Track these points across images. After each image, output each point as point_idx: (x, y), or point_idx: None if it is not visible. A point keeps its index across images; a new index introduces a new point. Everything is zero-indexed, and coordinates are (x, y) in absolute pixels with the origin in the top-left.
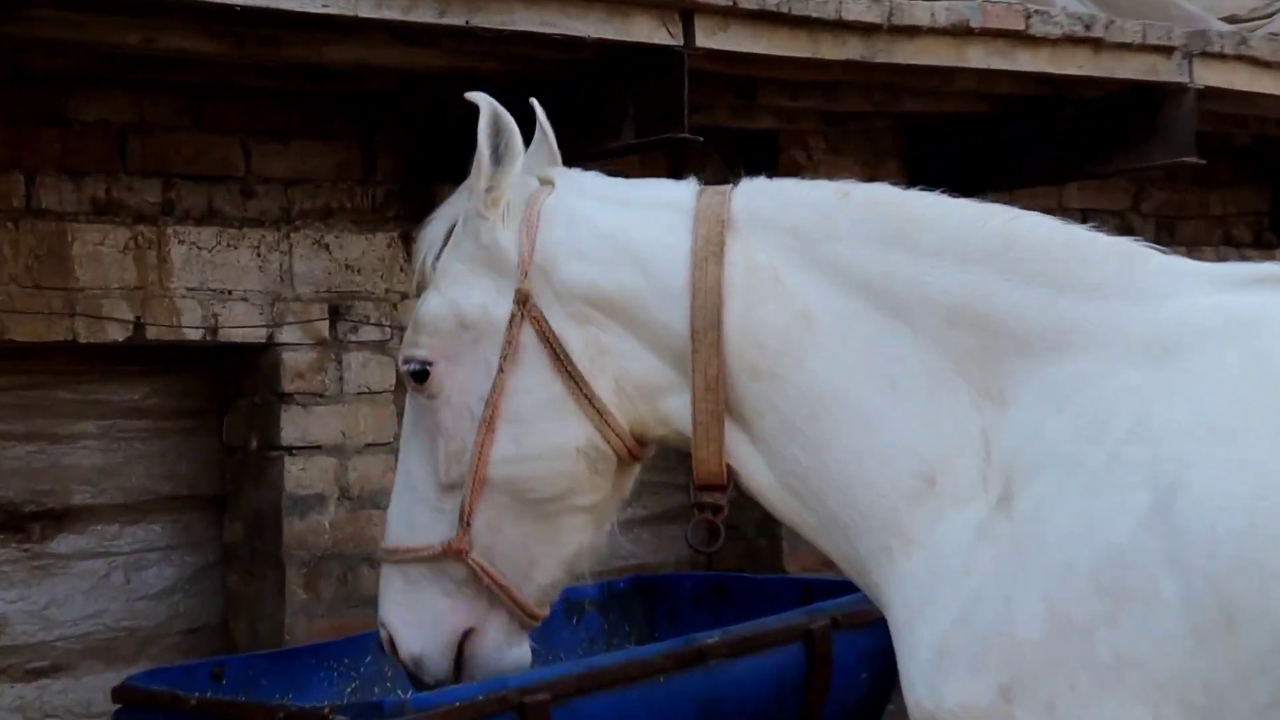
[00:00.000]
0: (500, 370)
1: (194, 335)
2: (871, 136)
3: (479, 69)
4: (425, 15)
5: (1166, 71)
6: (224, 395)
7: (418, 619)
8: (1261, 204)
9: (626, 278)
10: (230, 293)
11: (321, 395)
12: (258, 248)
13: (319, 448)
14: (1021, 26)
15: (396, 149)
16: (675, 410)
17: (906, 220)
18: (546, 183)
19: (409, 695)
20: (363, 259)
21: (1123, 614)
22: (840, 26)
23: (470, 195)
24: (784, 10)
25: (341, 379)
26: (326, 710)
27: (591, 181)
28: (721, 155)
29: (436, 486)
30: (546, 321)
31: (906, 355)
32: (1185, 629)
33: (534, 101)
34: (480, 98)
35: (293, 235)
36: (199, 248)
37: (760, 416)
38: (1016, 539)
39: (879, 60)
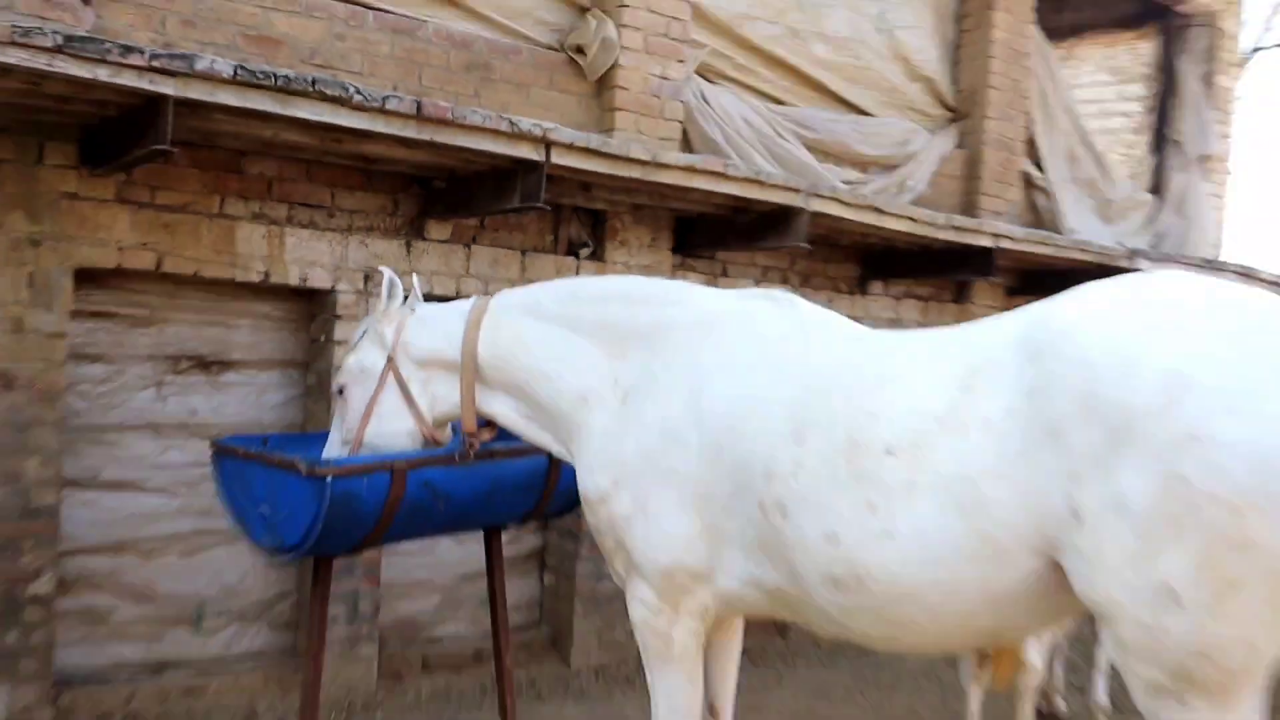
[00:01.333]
0: (376, 393)
1: (295, 282)
2: (656, 216)
3: (445, 164)
4: (413, 133)
5: (797, 200)
6: (309, 314)
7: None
8: (855, 271)
9: (440, 344)
10: (314, 263)
11: (355, 318)
12: (331, 243)
13: None
14: (721, 170)
15: (408, 199)
16: (454, 399)
17: (576, 288)
18: (410, 309)
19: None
20: (385, 251)
21: (672, 448)
22: (628, 160)
23: (375, 315)
24: (599, 149)
25: (366, 311)
26: (262, 453)
27: (429, 306)
28: (580, 220)
29: (341, 441)
30: (399, 370)
31: (576, 346)
32: (699, 456)
33: (385, 269)
34: (383, 270)
35: (349, 238)
36: (300, 240)
37: (506, 385)
38: (626, 416)
39: (649, 178)
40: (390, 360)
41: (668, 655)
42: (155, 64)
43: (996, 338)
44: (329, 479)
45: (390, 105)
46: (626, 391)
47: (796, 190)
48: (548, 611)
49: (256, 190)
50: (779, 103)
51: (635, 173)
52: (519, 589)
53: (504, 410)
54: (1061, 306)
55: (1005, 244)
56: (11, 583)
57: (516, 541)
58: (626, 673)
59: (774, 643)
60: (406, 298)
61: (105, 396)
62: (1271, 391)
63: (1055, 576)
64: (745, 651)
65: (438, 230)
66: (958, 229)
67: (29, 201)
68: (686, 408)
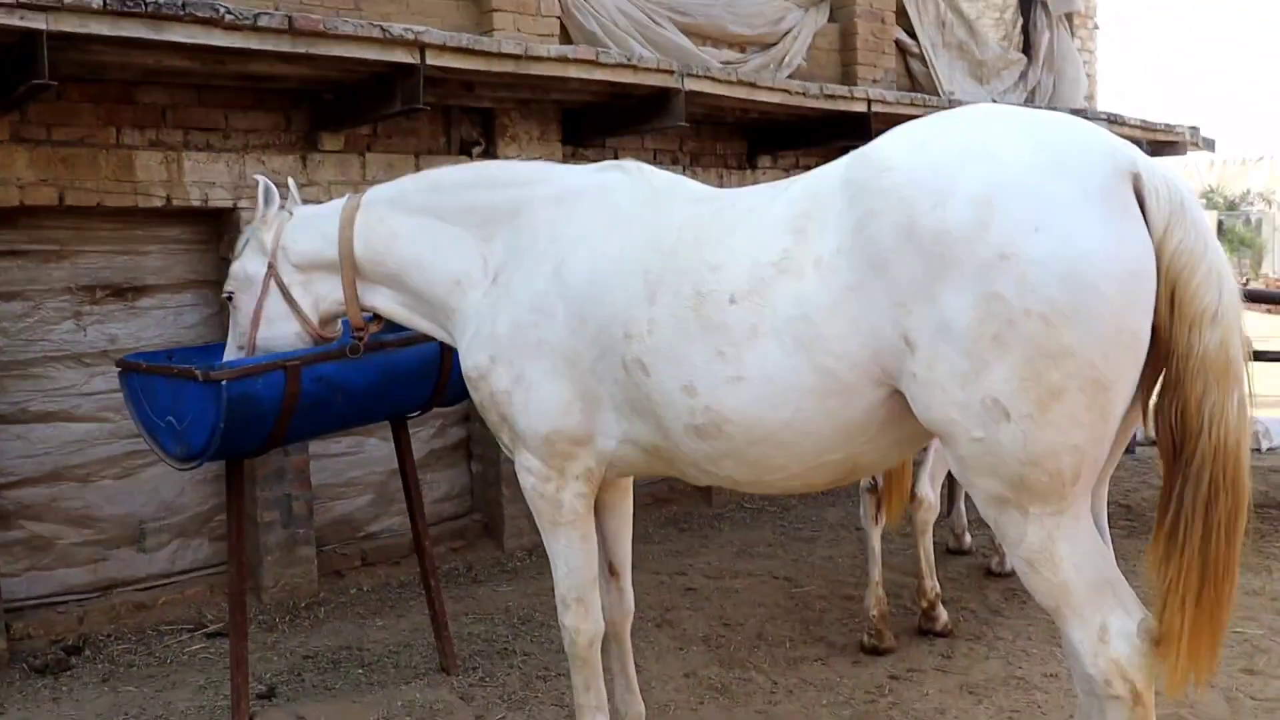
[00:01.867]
0: (260, 298)
1: (196, 203)
2: (543, 109)
3: (329, 76)
4: (287, 48)
5: (672, 81)
6: (216, 234)
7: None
8: (742, 147)
9: (318, 244)
10: (213, 184)
11: None
12: (228, 164)
13: None
14: (593, 58)
15: (300, 114)
16: (337, 297)
17: (439, 178)
18: (289, 212)
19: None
20: (281, 167)
21: (541, 320)
22: (502, 56)
23: (254, 223)
24: (472, 47)
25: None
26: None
27: (305, 209)
28: (470, 119)
29: (237, 347)
30: (279, 275)
31: (445, 233)
32: (565, 325)
33: (259, 177)
34: (258, 178)
35: (245, 157)
36: (197, 163)
37: (384, 279)
38: (497, 294)
39: (524, 71)
40: (271, 266)
41: (558, 519)
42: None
43: (825, 180)
44: (224, 382)
45: (262, 22)
46: (496, 271)
47: (670, 71)
48: (479, 499)
49: (151, 118)
50: None
51: (509, 67)
52: (450, 479)
53: (386, 303)
54: (879, 144)
55: (879, 109)
56: None
57: (443, 435)
58: None
59: (700, 509)
60: (285, 204)
61: (25, 332)
62: (1074, 208)
63: (898, 404)
64: (673, 519)
65: (331, 141)
66: (830, 97)
67: None
68: (550, 280)
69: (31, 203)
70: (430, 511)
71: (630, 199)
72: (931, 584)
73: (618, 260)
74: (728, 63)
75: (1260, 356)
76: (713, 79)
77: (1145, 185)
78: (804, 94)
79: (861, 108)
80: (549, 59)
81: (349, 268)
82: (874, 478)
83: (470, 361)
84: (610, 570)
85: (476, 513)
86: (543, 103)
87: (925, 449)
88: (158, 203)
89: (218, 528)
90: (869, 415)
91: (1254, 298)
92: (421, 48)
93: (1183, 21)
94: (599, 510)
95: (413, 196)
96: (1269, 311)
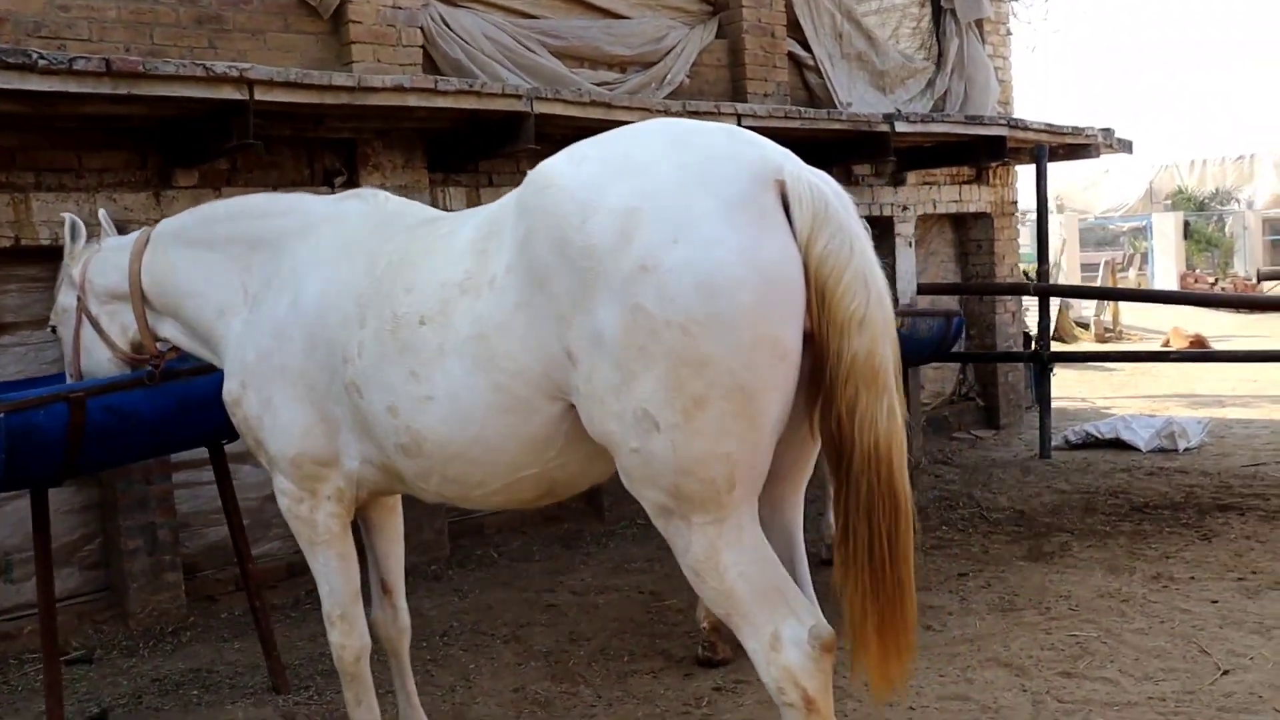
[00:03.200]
0: (76, 329)
1: (46, 242)
2: (406, 138)
3: (169, 114)
4: (108, 90)
5: (521, 105)
6: None
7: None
8: None
9: (115, 278)
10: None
11: None
12: (78, 202)
13: None
14: (432, 86)
15: (154, 152)
16: (135, 327)
17: (212, 210)
18: (96, 247)
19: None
20: (134, 204)
21: (282, 345)
22: (335, 89)
23: (65, 256)
24: (300, 81)
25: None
26: None
27: (110, 241)
28: (333, 151)
29: (69, 375)
30: (88, 308)
31: (212, 265)
32: (301, 350)
33: (103, 211)
34: (66, 216)
35: (97, 195)
36: (46, 203)
37: (167, 309)
38: (251, 321)
39: (359, 102)
40: (79, 299)
41: (315, 539)
42: None
43: (506, 201)
44: (2, 415)
45: (78, 66)
46: (253, 299)
47: (518, 96)
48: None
49: (1, 161)
50: (530, 17)
51: (344, 99)
52: None
53: (173, 333)
54: (546, 163)
55: (749, 123)
56: None
57: None
58: (434, 570)
59: (591, 526)
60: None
61: None
62: (710, 218)
63: (576, 418)
64: (561, 536)
65: (184, 178)
66: (695, 114)
67: None
68: (289, 307)
69: None
70: None
71: (359, 226)
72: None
73: (340, 286)
74: (605, 83)
75: (1211, 357)
76: (564, 101)
77: (790, 192)
78: (665, 111)
79: (732, 123)
80: (384, 89)
81: (137, 299)
82: None
83: (227, 387)
84: (384, 588)
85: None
86: (402, 131)
87: None
88: (6, 243)
89: (87, 557)
90: (552, 430)
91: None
92: (250, 84)
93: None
94: (369, 530)
95: (191, 228)
96: (1237, 312)
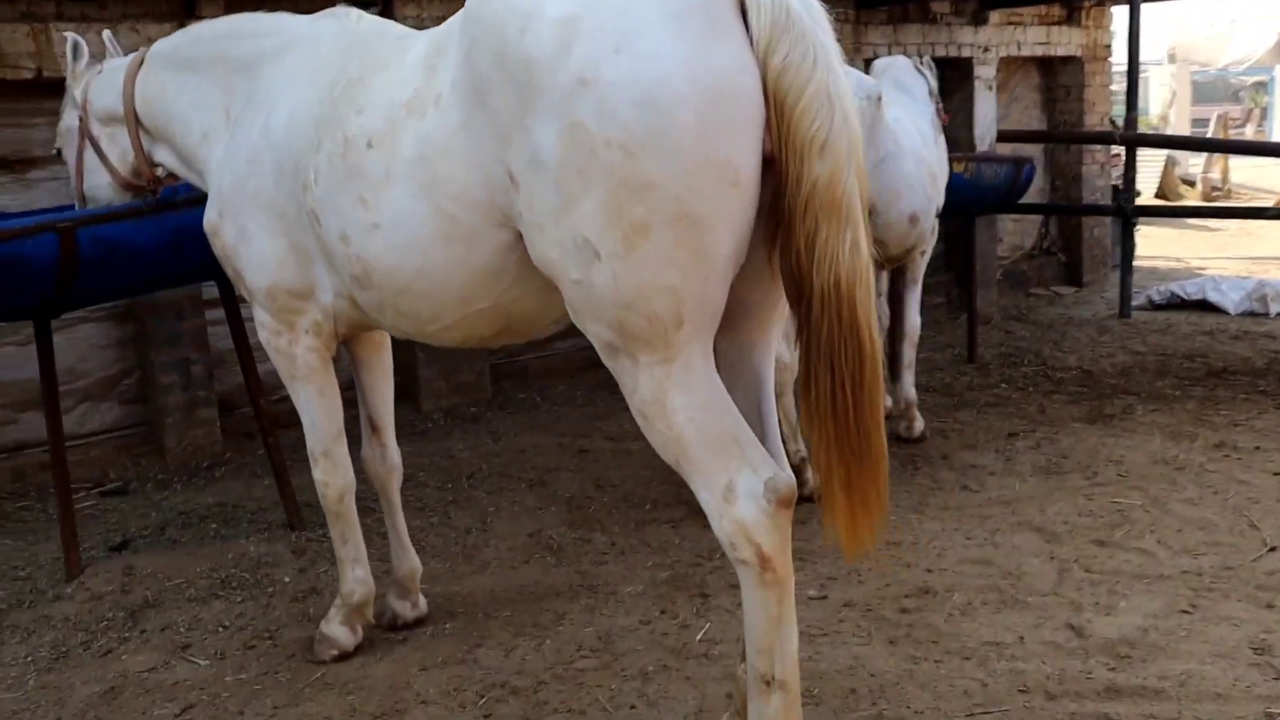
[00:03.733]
0: (79, 151)
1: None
2: None
3: None
4: None
5: None
6: None
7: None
8: None
9: (111, 99)
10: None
11: None
12: (99, 33)
13: None
14: None
15: None
16: (132, 150)
17: (200, 30)
18: (99, 68)
19: None
20: (158, 34)
21: (255, 172)
22: None
23: (68, 77)
24: None
25: None
26: None
27: (112, 62)
28: None
29: (74, 195)
30: (90, 129)
31: (199, 87)
32: (272, 177)
33: (106, 32)
34: (68, 35)
35: (120, 25)
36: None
37: (159, 133)
38: (232, 144)
39: None
40: (81, 120)
41: (294, 374)
42: None
43: (457, 15)
44: None
45: None
46: (233, 123)
47: None
48: (397, 361)
49: None
50: None
51: None
52: None
53: (167, 158)
54: None
55: None
56: None
57: None
58: (473, 412)
59: None
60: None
61: None
62: (655, 27)
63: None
64: (607, 382)
65: (209, 8)
66: None
67: None
68: (261, 133)
69: None
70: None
71: (330, 47)
72: (795, 447)
73: (304, 110)
74: None
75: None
76: None
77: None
78: None
79: None
80: None
81: (131, 122)
82: None
83: (206, 216)
84: (371, 426)
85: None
86: None
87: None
88: (27, 75)
89: (125, 391)
90: (502, 260)
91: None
92: None
93: None
94: (356, 366)
95: (181, 49)
96: None
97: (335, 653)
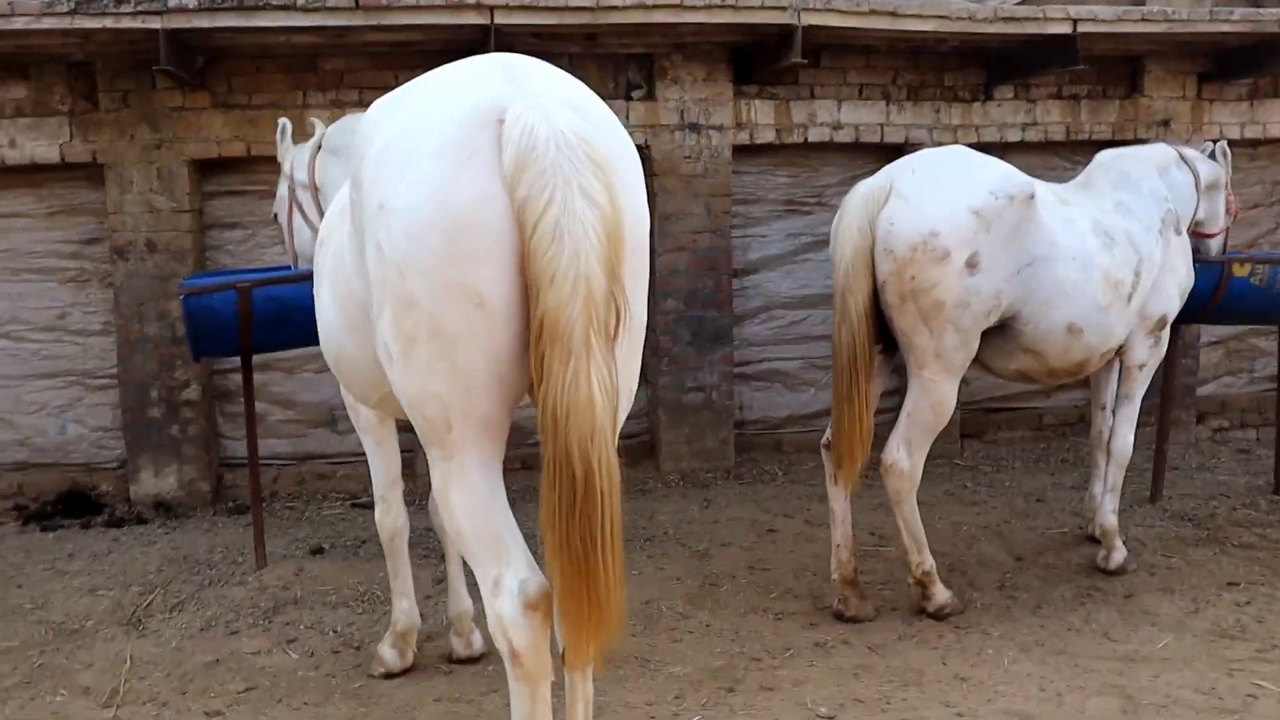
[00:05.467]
0: (290, 214)
1: None
2: (706, 51)
3: (414, 40)
4: (360, 21)
5: (786, 17)
6: None
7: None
8: (978, 77)
9: (303, 173)
10: None
11: None
12: None
13: None
14: (678, 3)
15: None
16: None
17: (354, 119)
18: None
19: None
20: None
21: (321, 252)
22: (574, 9)
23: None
24: (535, 4)
25: None
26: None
27: (311, 141)
28: (636, 64)
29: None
30: (296, 196)
31: (338, 171)
32: (333, 264)
33: (282, 119)
34: (280, 120)
35: None
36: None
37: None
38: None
39: (600, 21)
40: (290, 189)
41: (358, 427)
42: (140, 9)
43: None
44: (183, 297)
45: (330, 2)
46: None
47: (782, 8)
48: (644, 422)
49: (331, 82)
50: None
51: (585, 19)
52: None
53: None
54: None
55: (1089, 28)
56: (170, 390)
57: None
58: (708, 478)
59: None
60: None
61: (245, 253)
62: (423, 159)
63: None
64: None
65: None
66: (1009, 19)
67: (150, 117)
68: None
69: (226, 155)
70: None
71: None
72: (918, 560)
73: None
74: None
75: None
76: (838, 11)
77: (504, 133)
78: (969, 18)
79: (1063, 29)
80: (626, 7)
81: (313, 191)
82: (828, 435)
83: (319, 292)
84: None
85: (647, 434)
86: (702, 45)
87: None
88: None
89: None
90: None
91: None
92: (490, 9)
93: None
94: None
95: (333, 134)
96: None
97: (382, 670)
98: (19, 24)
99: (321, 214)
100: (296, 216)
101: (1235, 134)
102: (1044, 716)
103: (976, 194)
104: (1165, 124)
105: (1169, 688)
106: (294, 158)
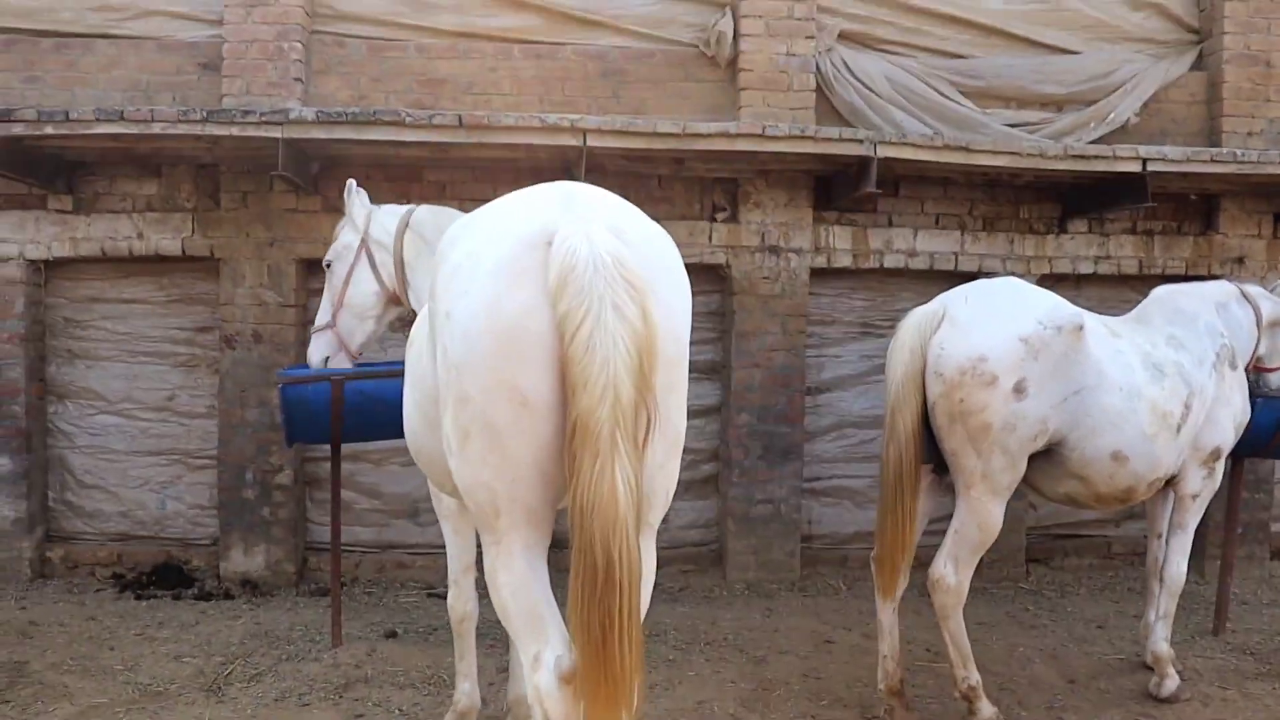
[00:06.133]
0: (352, 265)
1: None
2: (792, 178)
3: (514, 158)
4: (463, 139)
5: (862, 150)
6: None
7: (311, 349)
8: (1053, 211)
9: (386, 238)
10: None
11: None
12: None
13: None
14: (759, 131)
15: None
16: (395, 283)
17: (440, 217)
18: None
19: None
20: None
21: (416, 365)
22: (661, 135)
23: (349, 207)
24: (627, 129)
25: None
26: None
27: (387, 207)
28: (722, 187)
29: (331, 304)
30: (369, 250)
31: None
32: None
33: (352, 182)
34: (349, 181)
35: None
36: None
37: (413, 279)
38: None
39: (686, 147)
40: (363, 240)
41: (439, 513)
42: (264, 119)
43: None
44: (281, 385)
45: (436, 120)
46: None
47: (859, 140)
48: (711, 532)
49: (434, 192)
50: (954, 56)
51: (672, 144)
52: (697, 509)
53: (414, 302)
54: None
55: (1159, 167)
56: (264, 474)
57: (693, 469)
58: (773, 589)
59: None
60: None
61: None
62: (482, 276)
63: None
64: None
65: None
66: (1079, 157)
67: (265, 217)
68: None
69: None
70: (674, 537)
71: None
72: (964, 674)
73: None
74: (1027, 124)
75: None
76: (913, 145)
77: (551, 254)
78: (1040, 154)
79: (1133, 167)
80: (711, 135)
81: (399, 262)
82: (876, 548)
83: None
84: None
85: (715, 543)
86: (785, 172)
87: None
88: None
89: None
90: None
91: None
92: (583, 132)
93: None
94: None
95: (425, 220)
96: None
97: None
98: (157, 129)
99: (383, 280)
100: (362, 269)
101: None
102: None
103: (1025, 323)
104: (1240, 261)
105: None
106: (372, 217)
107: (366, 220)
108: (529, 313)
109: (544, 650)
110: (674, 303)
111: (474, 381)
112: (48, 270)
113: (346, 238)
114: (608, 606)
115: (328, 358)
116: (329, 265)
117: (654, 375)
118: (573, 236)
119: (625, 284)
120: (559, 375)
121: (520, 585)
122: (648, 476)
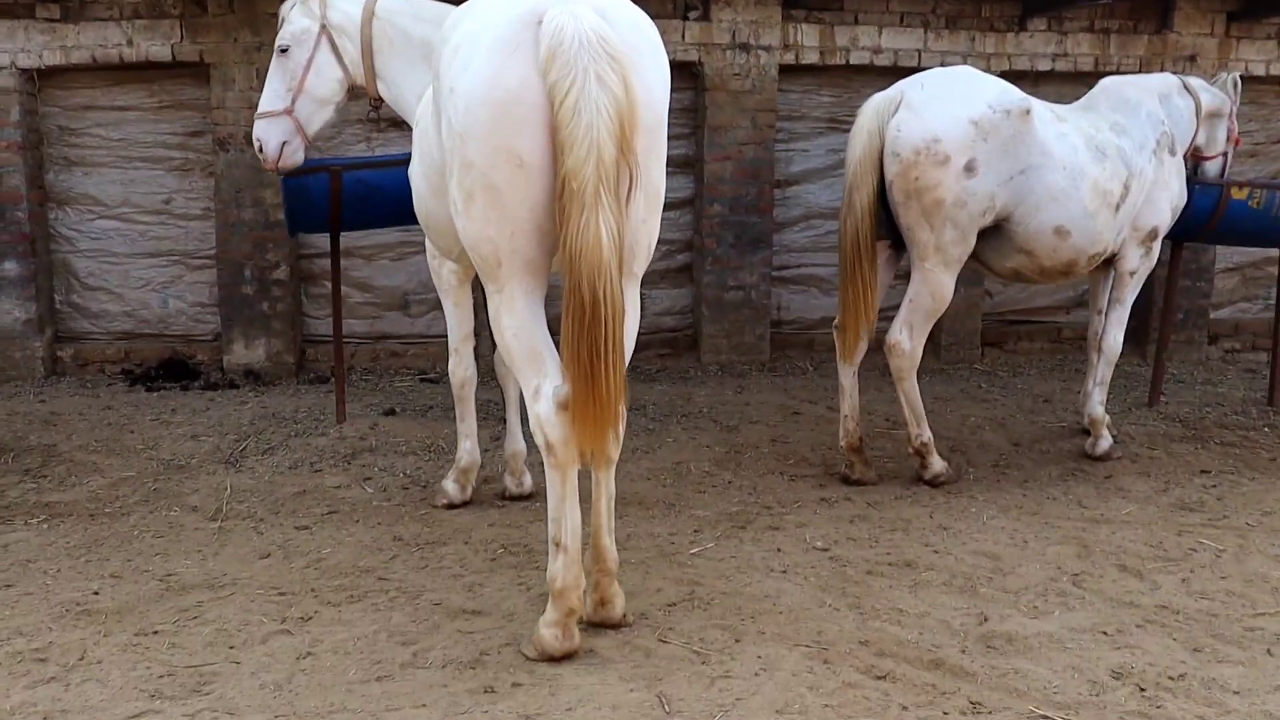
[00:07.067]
0: (313, 50)
1: None
2: None
3: None
4: None
5: None
6: None
7: (265, 134)
8: (1013, 10)
9: (350, 25)
10: None
11: None
12: None
13: None
14: None
15: None
16: (359, 71)
17: (416, 5)
18: None
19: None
20: None
21: (422, 140)
22: None
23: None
24: None
25: None
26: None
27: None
28: None
29: (285, 92)
30: (331, 36)
31: (416, 52)
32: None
33: None
34: None
35: None
36: None
37: (383, 67)
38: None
39: None
40: (323, 23)
41: (439, 288)
42: None
43: None
44: (282, 177)
45: None
46: (433, 93)
47: None
48: (685, 319)
49: None
50: None
51: None
52: (672, 297)
53: (379, 86)
54: None
55: None
56: (261, 270)
57: (667, 257)
58: (743, 369)
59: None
60: None
61: (332, 149)
62: (481, 51)
63: None
64: (881, 365)
65: None
66: None
67: (251, 21)
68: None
69: None
70: (651, 323)
71: None
72: (917, 432)
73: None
74: None
75: None
76: None
77: (541, 31)
78: None
79: None
80: None
81: (367, 44)
82: (838, 316)
83: (412, 161)
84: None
85: (690, 328)
86: None
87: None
88: None
89: None
90: None
91: None
92: None
93: None
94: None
95: (405, 13)
96: None
97: (445, 501)
98: None
99: (346, 67)
100: (324, 55)
101: (1261, 71)
102: (1009, 556)
103: (976, 107)
104: (1192, 59)
105: (1122, 541)
106: (329, 1)
107: (322, 4)
108: (523, 84)
109: (543, 382)
110: (652, 76)
111: (476, 148)
112: (40, 79)
113: (302, 22)
114: (594, 339)
115: (285, 143)
116: (285, 51)
117: (634, 138)
118: (560, 15)
119: (608, 58)
120: (550, 139)
121: (521, 327)
122: (630, 230)
